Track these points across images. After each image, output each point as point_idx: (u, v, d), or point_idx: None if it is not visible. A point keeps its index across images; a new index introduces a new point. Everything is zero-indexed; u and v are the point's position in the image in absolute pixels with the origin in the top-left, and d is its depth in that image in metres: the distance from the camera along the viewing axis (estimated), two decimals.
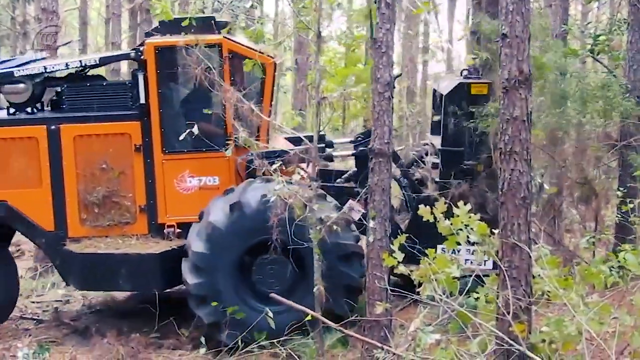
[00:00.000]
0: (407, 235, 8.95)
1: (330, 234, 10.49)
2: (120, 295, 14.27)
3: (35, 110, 12.60)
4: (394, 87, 10.08)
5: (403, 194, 12.82)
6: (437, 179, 12.28)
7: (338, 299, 10.96)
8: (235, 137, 10.89)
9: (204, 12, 19.42)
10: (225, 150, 11.10)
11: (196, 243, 11.44)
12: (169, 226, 12.35)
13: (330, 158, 12.91)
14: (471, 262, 8.95)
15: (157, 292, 12.24)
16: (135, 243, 12.32)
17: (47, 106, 12.89)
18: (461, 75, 12.40)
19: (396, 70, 10.43)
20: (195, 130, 11.37)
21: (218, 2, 18.98)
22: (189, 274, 11.47)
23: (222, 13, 18.21)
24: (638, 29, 12.74)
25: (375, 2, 9.67)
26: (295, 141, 13.03)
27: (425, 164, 13.30)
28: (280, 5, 34.51)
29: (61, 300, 14.54)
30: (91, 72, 13.24)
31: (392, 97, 9.91)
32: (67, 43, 22.56)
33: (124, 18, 27.13)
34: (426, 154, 13.39)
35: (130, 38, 25.98)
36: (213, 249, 11.35)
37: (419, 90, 30.76)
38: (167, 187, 12.37)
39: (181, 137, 11.48)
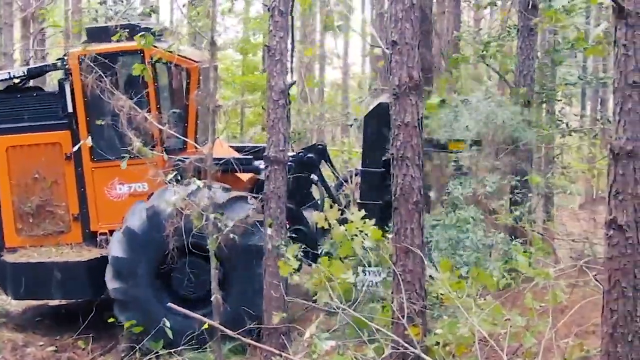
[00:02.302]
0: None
1: (242, 237, 10.61)
2: (16, 308, 13.97)
3: None
4: (289, 95, 10.10)
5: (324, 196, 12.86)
6: (359, 200, 12.25)
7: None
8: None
9: (97, 21, 19.19)
10: (122, 161, 11.06)
11: (115, 248, 11.44)
12: (101, 234, 12.32)
13: (257, 170, 12.83)
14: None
15: (87, 299, 12.30)
16: (68, 252, 12.31)
17: None
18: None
19: (291, 78, 10.41)
20: (89, 141, 11.33)
21: (111, 10, 18.76)
22: (110, 280, 11.46)
23: (117, 21, 17.99)
24: (527, 35, 13.01)
25: (269, 10, 9.71)
26: (240, 149, 13.14)
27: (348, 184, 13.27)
28: (176, 13, 34.20)
29: None
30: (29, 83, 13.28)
31: (287, 105, 9.94)
32: None
33: (16, 27, 26.53)
34: (353, 175, 13.34)
35: (23, 47, 25.42)
36: (131, 253, 11.33)
37: (315, 96, 30.84)
38: (98, 195, 12.37)
39: (74, 148, 11.47)
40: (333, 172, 14.03)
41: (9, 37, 23.91)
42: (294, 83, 10.97)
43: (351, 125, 17.03)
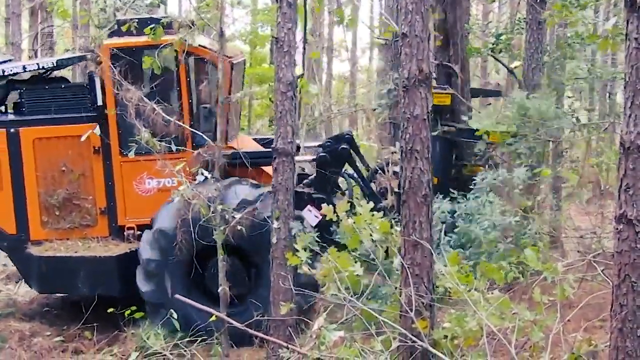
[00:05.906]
0: None
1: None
2: (23, 298, 13.97)
3: None
4: (297, 87, 10.07)
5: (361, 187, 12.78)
6: (396, 189, 12.12)
7: None
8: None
9: (105, 12, 19.14)
10: (129, 152, 11.03)
11: (146, 250, 11.39)
12: (129, 228, 12.26)
13: None
14: None
15: (115, 295, 12.02)
16: (95, 246, 12.23)
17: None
18: None
19: (299, 70, 10.35)
20: (97, 131, 11.30)
21: (119, 0, 18.69)
22: (141, 281, 11.47)
23: (125, 12, 17.97)
24: (536, 28, 12.96)
25: (277, 2, 9.69)
26: (263, 142, 13.11)
27: (386, 173, 13.13)
28: (184, 4, 34.16)
29: None
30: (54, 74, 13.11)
31: (295, 97, 9.91)
32: None
33: (25, 17, 26.54)
34: (388, 164, 13.22)
35: (31, 37, 25.45)
36: (162, 254, 11.28)
37: (323, 89, 30.82)
38: (126, 189, 12.27)
39: (82, 138, 11.46)
40: (362, 162, 13.83)
41: (17, 27, 23.92)
42: (302, 75, 10.87)
43: (375, 110, 16.96)
